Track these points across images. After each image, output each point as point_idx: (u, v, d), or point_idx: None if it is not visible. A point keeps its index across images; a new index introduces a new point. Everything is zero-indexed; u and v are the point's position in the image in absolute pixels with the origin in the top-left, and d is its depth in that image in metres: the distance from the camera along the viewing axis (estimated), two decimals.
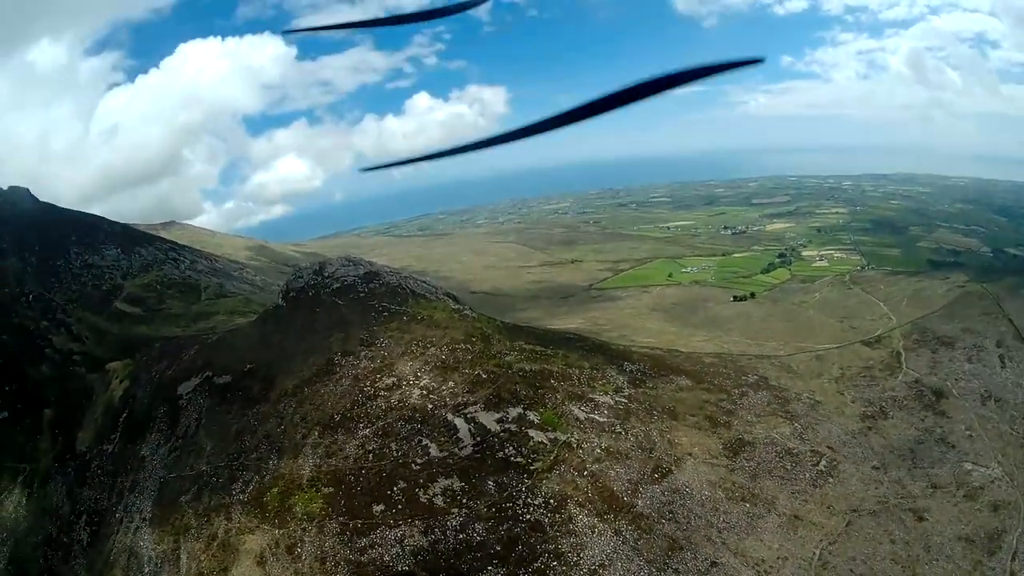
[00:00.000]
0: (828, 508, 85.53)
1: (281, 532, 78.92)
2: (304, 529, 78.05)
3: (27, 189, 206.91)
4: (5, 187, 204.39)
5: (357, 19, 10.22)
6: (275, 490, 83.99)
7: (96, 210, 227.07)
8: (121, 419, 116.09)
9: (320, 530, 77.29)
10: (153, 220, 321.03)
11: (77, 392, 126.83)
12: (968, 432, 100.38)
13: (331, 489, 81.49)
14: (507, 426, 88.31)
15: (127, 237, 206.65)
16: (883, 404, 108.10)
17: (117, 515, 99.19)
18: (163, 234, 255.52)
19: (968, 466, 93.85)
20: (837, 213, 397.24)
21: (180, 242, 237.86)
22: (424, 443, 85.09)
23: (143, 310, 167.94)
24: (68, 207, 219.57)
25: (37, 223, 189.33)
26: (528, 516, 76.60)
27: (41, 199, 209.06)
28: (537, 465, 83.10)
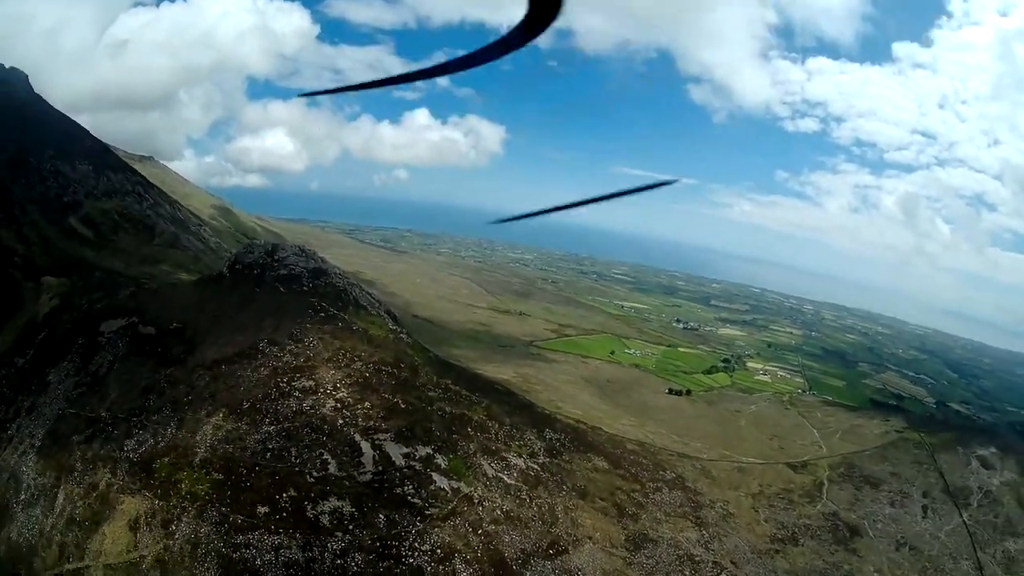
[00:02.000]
0: None
1: (160, 504, 76.29)
2: (184, 508, 75.30)
3: (26, 76, 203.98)
4: (6, 66, 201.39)
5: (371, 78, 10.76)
6: (166, 460, 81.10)
7: (82, 120, 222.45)
8: (39, 337, 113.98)
9: (200, 514, 74.57)
10: (133, 149, 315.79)
11: (7, 295, 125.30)
12: (876, 574, 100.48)
13: (221, 476, 78.58)
14: (412, 463, 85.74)
15: (102, 157, 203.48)
16: (796, 529, 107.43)
17: (9, 432, 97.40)
18: (137, 166, 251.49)
19: None
20: (791, 333, 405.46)
21: (151, 180, 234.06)
22: (325, 457, 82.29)
23: (95, 235, 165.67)
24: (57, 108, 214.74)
25: (24, 113, 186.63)
26: (412, 560, 74.30)
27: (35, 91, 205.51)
28: (433, 511, 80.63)
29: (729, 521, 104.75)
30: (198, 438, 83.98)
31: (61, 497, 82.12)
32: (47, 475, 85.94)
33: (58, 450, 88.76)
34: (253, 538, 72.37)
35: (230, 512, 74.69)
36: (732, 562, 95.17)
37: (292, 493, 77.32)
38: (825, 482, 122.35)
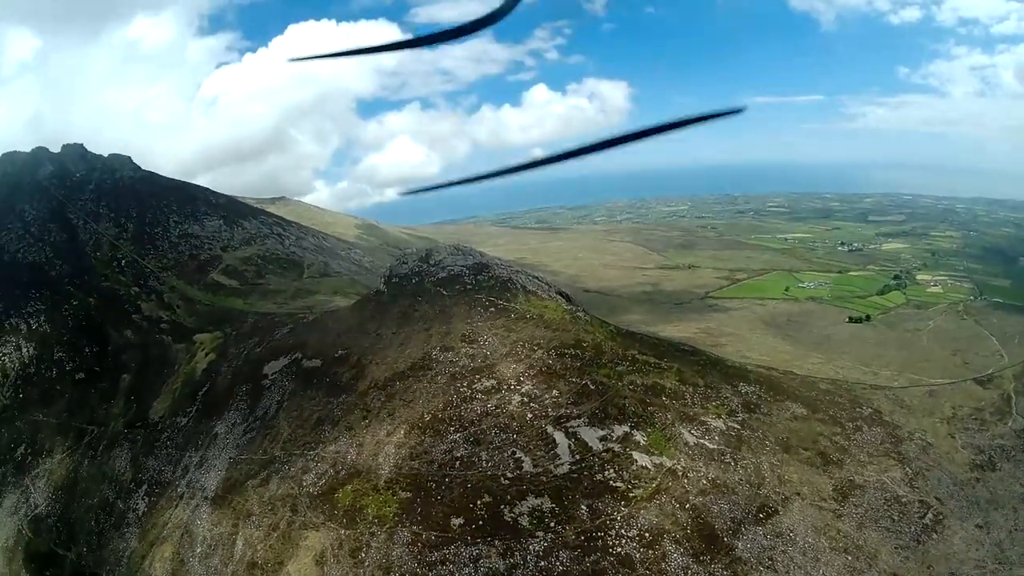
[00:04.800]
0: (928, 568, 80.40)
1: (347, 533, 76.14)
2: (372, 533, 74.95)
3: (129, 157, 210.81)
4: (106, 155, 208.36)
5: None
6: (348, 487, 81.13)
7: (200, 182, 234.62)
8: (200, 393, 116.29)
9: (390, 537, 73.93)
10: (262, 195, 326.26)
11: (159, 360, 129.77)
12: None
13: (409, 494, 78.01)
14: (610, 445, 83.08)
15: (231, 209, 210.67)
16: (992, 453, 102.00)
17: (179, 490, 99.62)
18: (271, 209, 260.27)
19: None
20: (951, 237, 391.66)
21: (288, 218, 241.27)
22: (518, 456, 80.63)
23: (240, 283, 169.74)
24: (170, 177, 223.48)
25: (136, 191, 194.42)
26: (619, 549, 71.66)
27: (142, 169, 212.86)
28: (637, 492, 77.86)
29: (929, 452, 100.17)
30: (380, 460, 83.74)
31: (240, 543, 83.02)
32: (223, 524, 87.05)
33: (233, 497, 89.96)
34: (449, 553, 71.28)
35: (422, 530, 73.83)
36: (937, 498, 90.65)
37: (487, 499, 76.00)
38: (1012, 395, 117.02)
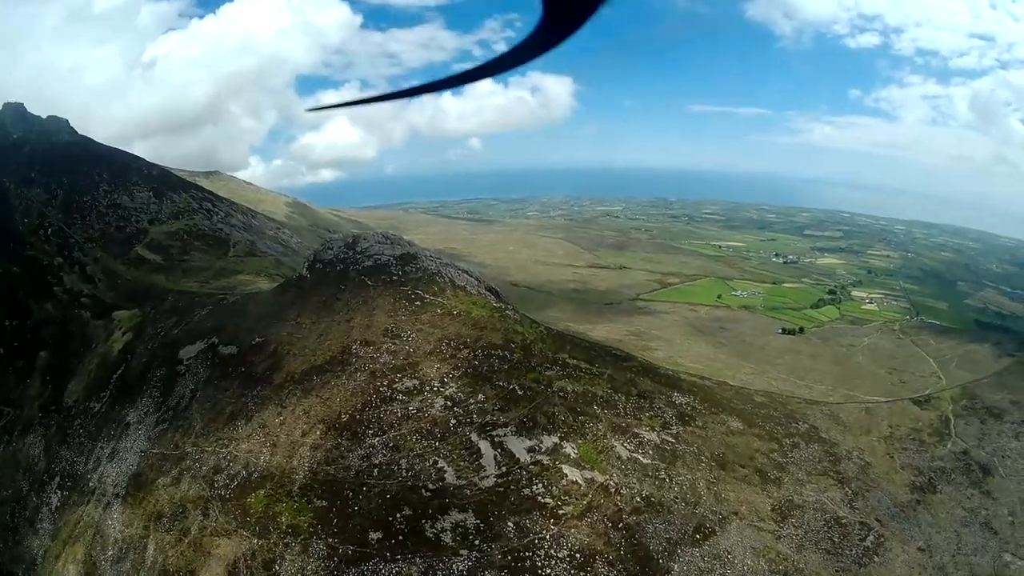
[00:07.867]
0: None
1: (260, 543, 70.65)
2: (287, 544, 69.52)
3: (67, 120, 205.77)
4: (44, 116, 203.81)
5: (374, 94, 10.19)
6: (261, 492, 75.56)
7: (136, 150, 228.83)
8: (115, 376, 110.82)
9: (304, 549, 68.70)
10: (196, 168, 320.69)
11: (77, 338, 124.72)
12: (1011, 518, 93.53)
13: (324, 503, 72.56)
14: (539, 457, 78.22)
15: (162, 181, 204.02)
16: (932, 474, 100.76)
17: (91, 484, 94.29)
18: (203, 183, 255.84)
19: (1008, 557, 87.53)
20: (888, 256, 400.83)
21: (219, 193, 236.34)
22: (440, 465, 75.28)
23: (164, 259, 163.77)
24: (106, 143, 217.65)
25: (70, 156, 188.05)
26: (548, 571, 66.97)
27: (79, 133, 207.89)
28: (567, 509, 73.10)
29: (868, 472, 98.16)
30: (295, 463, 78.33)
31: (151, 547, 77.94)
32: (134, 525, 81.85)
33: (144, 496, 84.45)
34: (367, 569, 66.40)
35: (338, 543, 68.79)
36: (877, 520, 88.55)
37: (407, 512, 70.82)
38: (951, 417, 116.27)
